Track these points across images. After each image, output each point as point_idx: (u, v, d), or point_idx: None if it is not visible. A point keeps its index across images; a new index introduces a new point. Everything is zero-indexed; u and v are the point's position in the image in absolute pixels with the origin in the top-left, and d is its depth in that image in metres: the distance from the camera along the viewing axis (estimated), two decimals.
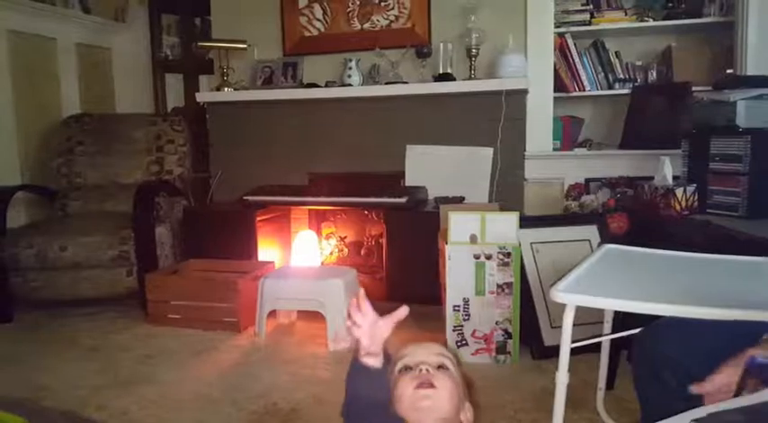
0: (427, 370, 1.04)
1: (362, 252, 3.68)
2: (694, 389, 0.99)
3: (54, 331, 2.88)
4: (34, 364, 2.48)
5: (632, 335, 1.35)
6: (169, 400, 2.11)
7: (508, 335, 2.37)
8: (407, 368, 1.06)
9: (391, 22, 3.48)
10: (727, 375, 0.97)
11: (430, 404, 1.00)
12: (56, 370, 2.41)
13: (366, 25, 3.53)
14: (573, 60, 3.36)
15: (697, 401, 1.11)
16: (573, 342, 1.32)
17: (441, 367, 1.06)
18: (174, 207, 3.50)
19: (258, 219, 3.28)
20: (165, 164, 3.68)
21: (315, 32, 3.62)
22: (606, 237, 2.53)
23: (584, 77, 3.37)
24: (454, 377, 1.06)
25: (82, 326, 2.95)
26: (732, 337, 1.18)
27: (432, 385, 1.01)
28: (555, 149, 3.36)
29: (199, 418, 1.97)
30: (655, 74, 3.38)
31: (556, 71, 3.31)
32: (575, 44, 3.36)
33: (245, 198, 3.34)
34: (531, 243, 2.53)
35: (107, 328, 2.92)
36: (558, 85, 3.33)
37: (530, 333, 2.42)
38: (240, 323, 2.81)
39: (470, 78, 3.24)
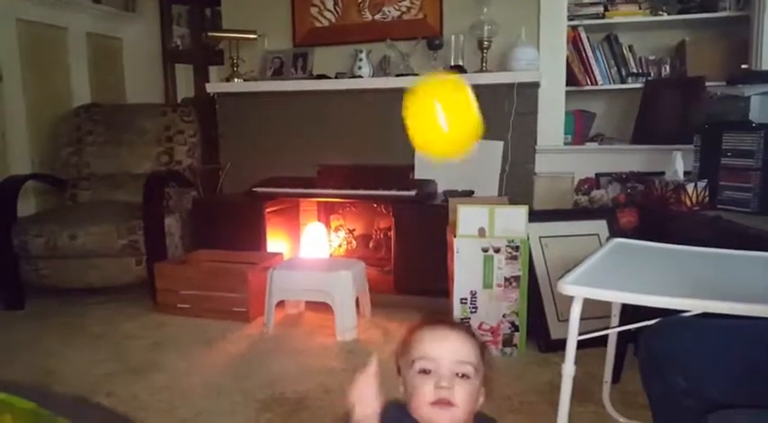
0: (448, 387, 0.96)
1: (371, 245, 3.68)
2: None
3: (64, 319, 2.91)
4: (45, 350, 2.51)
5: (639, 328, 1.35)
6: (178, 388, 2.12)
7: (515, 328, 2.37)
8: (425, 371, 0.99)
9: (403, 13, 3.46)
10: None
11: (446, 421, 0.96)
12: (66, 357, 2.43)
13: (377, 16, 3.51)
14: (586, 54, 3.33)
15: (708, 402, 1.10)
16: (580, 335, 1.32)
17: (462, 375, 0.99)
18: (184, 198, 3.52)
19: (267, 210, 3.28)
20: (175, 154, 3.69)
21: (325, 23, 3.61)
22: (615, 232, 2.52)
23: (596, 71, 3.35)
24: (474, 385, 1.00)
25: (91, 314, 2.98)
26: (740, 339, 1.17)
27: (450, 404, 0.96)
28: (566, 143, 3.34)
29: (207, 407, 1.98)
30: (668, 68, 3.35)
31: (568, 64, 3.28)
32: (588, 37, 3.34)
33: (254, 189, 3.34)
34: (540, 237, 2.53)
35: (116, 316, 2.94)
36: (571, 79, 3.30)
37: (537, 326, 2.42)
38: (249, 313, 2.82)
39: (482, 71, 3.23)
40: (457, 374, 0.98)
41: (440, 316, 1.13)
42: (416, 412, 0.98)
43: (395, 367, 1.06)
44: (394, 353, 1.07)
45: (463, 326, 1.08)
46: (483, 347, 1.05)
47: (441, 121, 0.93)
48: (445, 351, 0.99)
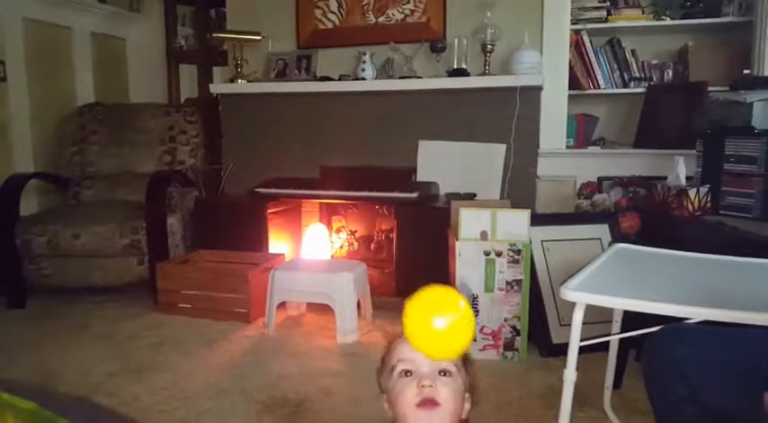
0: (430, 385, 0.95)
1: (372, 246, 3.68)
2: None
3: (65, 318, 2.91)
4: (46, 350, 2.51)
5: (641, 334, 1.35)
6: (179, 388, 2.13)
7: (516, 332, 2.37)
8: (407, 372, 0.98)
9: (406, 16, 3.47)
10: None
11: None
12: (67, 356, 2.43)
13: (381, 19, 3.51)
14: (588, 58, 3.34)
15: (708, 410, 1.11)
16: (581, 340, 1.32)
17: (443, 373, 0.98)
18: (186, 197, 3.52)
19: (269, 211, 3.29)
20: (178, 154, 3.70)
21: (329, 25, 3.61)
22: (617, 236, 2.52)
23: (599, 75, 3.35)
24: (458, 383, 0.99)
25: (93, 313, 2.98)
26: (742, 346, 1.18)
27: (435, 403, 0.95)
28: (568, 147, 3.34)
29: (208, 408, 1.99)
30: (671, 73, 3.35)
31: (571, 68, 3.28)
32: (590, 41, 3.34)
33: (256, 190, 3.35)
34: (542, 241, 2.53)
35: (118, 316, 2.94)
36: (573, 83, 3.31)
37: (538, 330, 2.41)
38: (250, 314, 2.82)
39: (485, 74, 3.23)
40: (439, 372, 0.98)
41: None
42: (402, 419, 0.97)
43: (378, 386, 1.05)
44: (376, 371, 1.06)
45: None
46: (464, 356, 1.03)
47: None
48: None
